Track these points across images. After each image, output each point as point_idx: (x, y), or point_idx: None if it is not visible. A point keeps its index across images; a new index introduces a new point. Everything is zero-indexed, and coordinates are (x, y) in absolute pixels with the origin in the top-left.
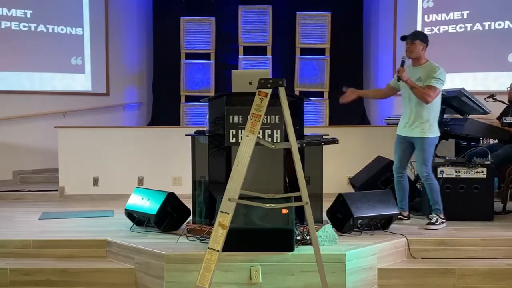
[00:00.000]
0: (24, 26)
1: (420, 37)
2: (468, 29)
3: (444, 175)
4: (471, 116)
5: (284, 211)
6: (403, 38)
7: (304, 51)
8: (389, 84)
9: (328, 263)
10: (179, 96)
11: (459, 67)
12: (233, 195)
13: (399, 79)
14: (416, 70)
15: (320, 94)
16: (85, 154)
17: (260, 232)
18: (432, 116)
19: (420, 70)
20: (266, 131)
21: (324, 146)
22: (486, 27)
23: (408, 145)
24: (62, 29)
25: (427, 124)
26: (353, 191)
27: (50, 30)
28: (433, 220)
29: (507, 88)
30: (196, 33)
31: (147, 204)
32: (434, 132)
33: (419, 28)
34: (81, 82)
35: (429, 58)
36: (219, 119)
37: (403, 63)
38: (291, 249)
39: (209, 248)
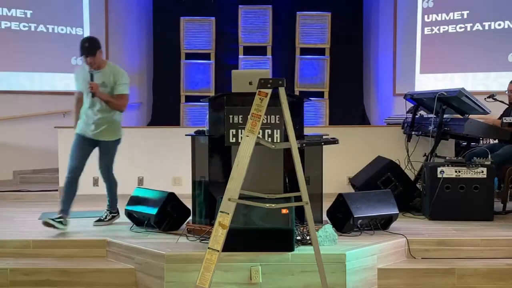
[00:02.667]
0: (24, 26)
1: (96, 47)
2: (468, 29)
3: (444, 175)
4: (471, 116)
5: (284, 211)
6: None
7: (304, 51)
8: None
9: (328, 263)
10: (179, 96)
11: (459, 67)
12: (233, 195)
13: (93, 95)
14: (99, 74)
15: (320, 94)
16: None
17: (260, 232)
18: (119, 118)
19: (102, 74)
20: (266, 131)
21: (324, 146)
22: (486, 27)
23: (92, 148)
24: (62, 29)
25: (116, 127)
26: (353, 191)
27: (50, 30)
28: (103, 217)
29: (505, 91)
30: (196, 33)
31: (147, 204)
32: (119, 134)
33: (418, 28)
34: None
35: (429, 58)
36: (219, 119)
37: (92, 76)
38: (291, 249)
39: (209, 248)
